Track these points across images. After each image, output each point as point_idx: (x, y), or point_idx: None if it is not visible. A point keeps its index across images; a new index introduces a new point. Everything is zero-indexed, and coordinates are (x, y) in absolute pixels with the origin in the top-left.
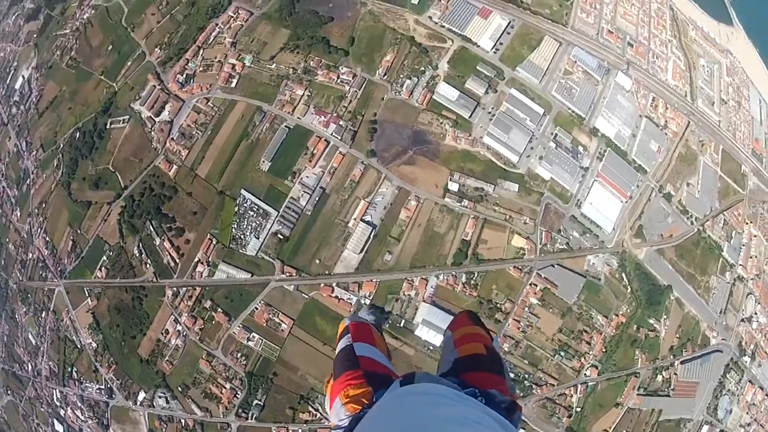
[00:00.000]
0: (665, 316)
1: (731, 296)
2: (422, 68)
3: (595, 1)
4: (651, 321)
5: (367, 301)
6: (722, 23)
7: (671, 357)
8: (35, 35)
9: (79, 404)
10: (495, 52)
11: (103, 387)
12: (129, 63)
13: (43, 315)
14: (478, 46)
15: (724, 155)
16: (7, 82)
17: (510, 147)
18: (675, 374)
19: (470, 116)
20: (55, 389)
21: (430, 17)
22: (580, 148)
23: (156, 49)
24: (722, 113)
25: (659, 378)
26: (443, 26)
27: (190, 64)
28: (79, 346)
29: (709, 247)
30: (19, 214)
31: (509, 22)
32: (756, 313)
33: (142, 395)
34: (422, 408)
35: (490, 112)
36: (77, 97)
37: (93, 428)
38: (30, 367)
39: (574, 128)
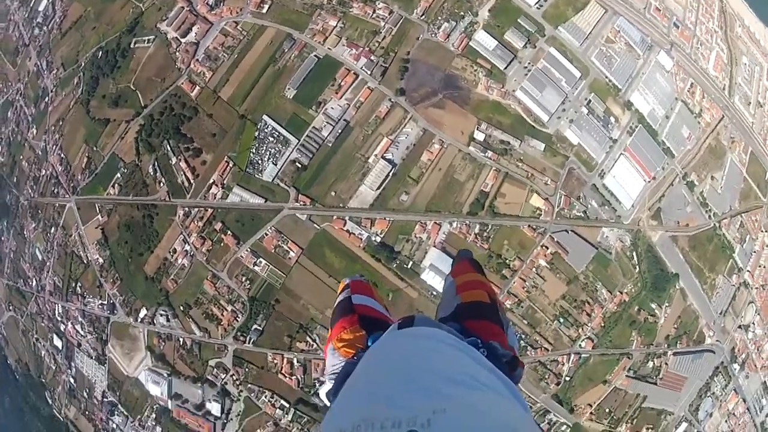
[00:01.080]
0: (667, 304)
1: (734, 300)
2: (462, 13)
3: None
4: (653, 305)
5: (378, 239)
6: None
7: (665, 346)
8: None
9: (80, 319)
10: (539, 8)
11: (105, 302)
12: None
13: (53, 230)
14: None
15: (751, 157)
16: (31, 4)
17: (542, 105)
18: (666, 364)
19: (505, 68)
20: (57, 304)
21: None
22: (612, 119)
23: None
24: (757, 115)
25: (650, 364)
26: None
27: None
28: (85, 261)
29: (722, 246)
30: (35, 131)
31: None
32: (754, 323)
33: (143, 312)
34: (418, 355)
35: (526, 67)
36: (102, 17)
37: (91, 343)
38: (34, 282)
39: (608, 98)
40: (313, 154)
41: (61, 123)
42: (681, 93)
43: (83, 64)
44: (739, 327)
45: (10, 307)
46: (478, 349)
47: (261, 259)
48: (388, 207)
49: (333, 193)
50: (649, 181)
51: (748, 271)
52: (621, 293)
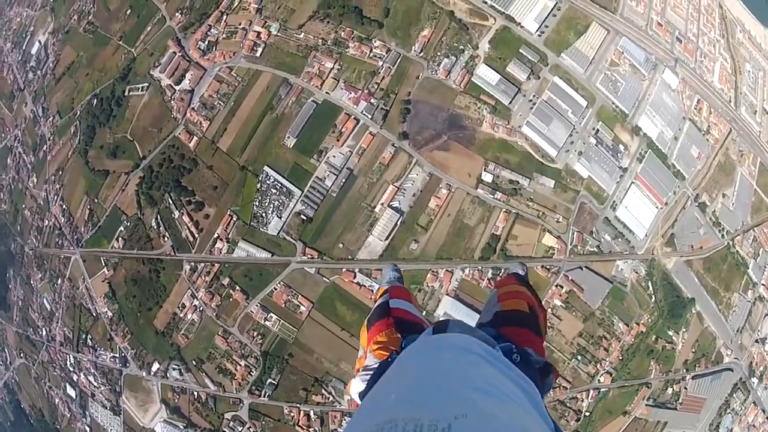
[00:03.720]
0: (684, 329)
1: (750, 315)
2: (461, 47)
3: None
4: (670, 333)
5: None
6: None
7: (684, 371)
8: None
9: (93, 370)
10: (540, 35)
11: (117, 356)
12: (149, 28)
13: (59, 282)
14: (522, 27)
15: (761, 169)
16: (23, 47)
17: (549, 139)
18: (685, 388)
19: (510, 103)
20: (68, 354)
21: None
22: (621, 147)
23: (177, 14)
24: (763, 124)
25: (669, 390)
26: (485, 2)
27: (212, 30)
28: (94, 314)
29: (736, 263)
30: (35, 180)
31: (555, 3)
32: None
33: (156, 366)
34: (446, 362)
35: (531, 100)
36: (95, 63)
37: (105, 394)
38: (44, 332)
39: (616, 125)
40: (317, 205)
41: (60, 173)
42: (688, 111)
43: (79, 113)
44: (756, 341)
45: (21, 355)
46: (512, 354)
47: (272, 314)
48: (398, 257)
49: (341, 245)
50: (661, 208)
51: (762, 284)
52: (638, 324)
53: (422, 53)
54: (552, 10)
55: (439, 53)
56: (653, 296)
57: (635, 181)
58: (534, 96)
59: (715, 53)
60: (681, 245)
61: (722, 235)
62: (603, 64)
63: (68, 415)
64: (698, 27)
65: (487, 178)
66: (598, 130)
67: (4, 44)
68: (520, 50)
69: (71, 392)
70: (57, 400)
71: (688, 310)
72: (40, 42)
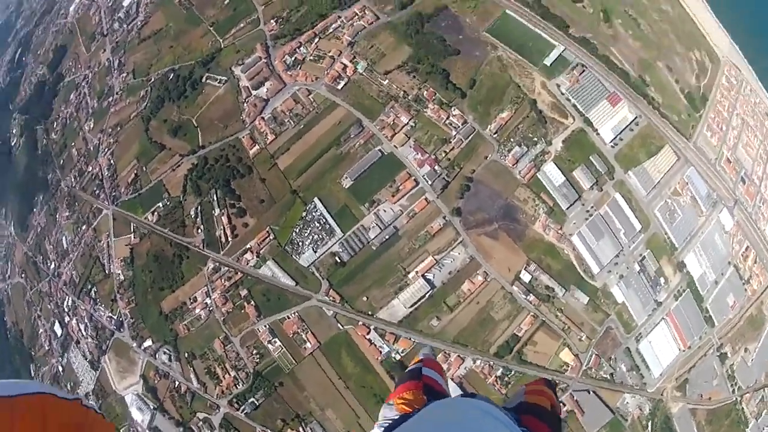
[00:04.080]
0: None
1: None
2: (535, 139)
3: (722, 121)
4: None
5: (398, 357)
6: None
7: None
8: None
9: (86, 320)
10: (613, 147)
11: (114, 317)
12: (241, 24)
13: (83, 228)
14: (598, 134)
15: None
16: None
17: (596, 255)
18: None
19: (568, 208)
20: (68, 296)
21: (558, 85)
22: (662, 280)
23: (272, 21)
24: None
25: None
26: (569, 100)
27: (301, 48)
28: (106, 271)
29: (738, 420)
30: (92, 125)
31: (635, 117)
32: None
33: (148, 342)
34: (470, 417)
35: (588, 211)
36: (182, 39)
37: (90, 346)
38: (53, 266)
39: (663, 256)
40: (355, 252)
41: (119, 129)
42: (735, 256)
43: (153, 80)
44: None
45: (23, 275)
46: None
47: (276, 340)
48: (417, 328)
49: (365, 298)
50: (683, 350)
51: None
52: None
53: (496, 134)
54: (630, 123)
55: (512, 139)
56: None
57: (666, 317)
58: (592, 207)
59: None
60: (691, 392)
61: (733, 390)
62: (666, 190)
63: (47, 348)
64: (764, 170)
65: (526, 277)
66: (644, 258)
67: None
68: (591, 157)
69: (58, 330)
70: (41, 331)
71: None
72: None
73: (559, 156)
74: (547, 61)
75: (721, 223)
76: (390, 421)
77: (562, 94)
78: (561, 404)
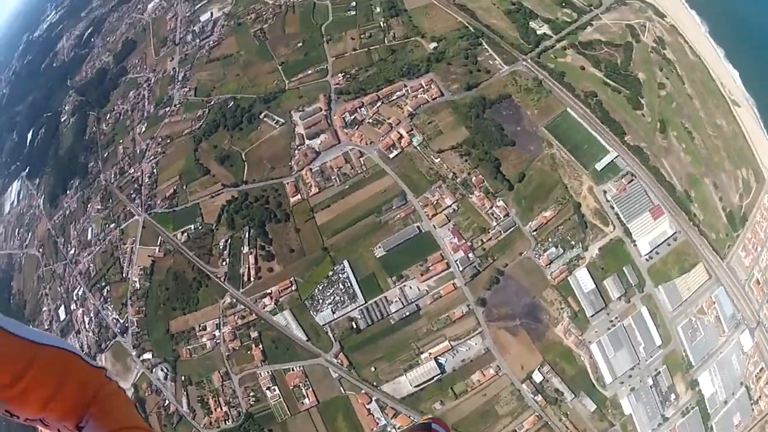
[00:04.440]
0: None
1: None
2: (573, 242)
3: (758, 242)
4: None
5: (393, 431)
6: None
7: None
8: None
9: (92, 315)
10: (648, 260)
11: (121, 321)
12: (309, 71)
13: (112, 226)
14: (635, 246)
15: None
16: (196, 7)
17: (611, 366)
18: None
19: (592, 316)
20: (80, 286)
21: (605, 192)
22: (672, 396)
23: (339, 75)
24: None
25: None
26: (612, 207)
27: (363, 109)
28: (124, 275)
29: None
30: (144, 128)
31: (674, 233)
32: None
33: (148, 356)
34: None
35: (612, 321)
36: (249, 70)
37: (89, 341)
38: (72, 252)
39: (678, 373)
40: (372, 322)
41: (168, 141)
42: (749, 377)
43: (213, 103)
44: None
45: (40, 249)
46: None
47: (276, 388)
48: (418, 408)
49: (373, 369)
50: None
51: None
52: None
53: (536, 232)
54: (669, 238)
55: (550, 239)
56: None
57: None
58: (616, 318)
59: None
60: None
61: None
62: (692, 308)
63: (46, 327)
64: None
65: (537, 378)
66: (659, 373)
67: None
68: (624, 268)
69: (62, 314)
70: (45, 309)
71: None
72: (212, 14)
73: (593, 263)
74: (599, 166)
75: (740, 343)
76: None
77: (607, 201)
78: None
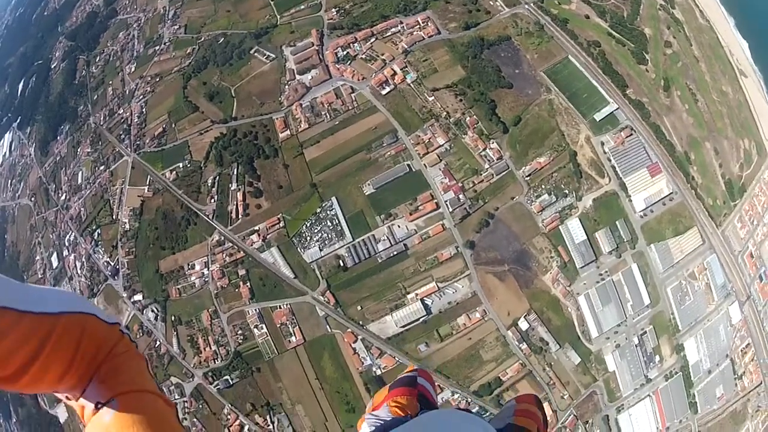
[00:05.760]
0: None
1: None
2: (566, 191)
3: (755, 216)
4: None
5: (378, 372)
6: None
7: None
8: None
9: (83, 259)
10: (641, 216)
11: (111, 263)
12: (302, 6)
13: (101, 168)
14: (630, 201)
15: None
16: None
17: (598, 320)
18: None
19: (581, 267)
20: (72, 231)
21: (603, 143)
22: (657, 358)
23: (333, 10)
24: None
25: None
26: (609, 160)
27: (356, 45)
28: (113, 216)
29: None
30: (133, 68)
31: (671, 193)
32: None
33: (139, 297)
34: (463, 426)
35: (601, 275)
36: (240, 6)
37: (81, 285)
38: (63, 197)
39: (664, 335)
40: (359, 260)
41: (158, 80)
42: (734, 351)
43: (203, 39)
44: None
45: (32, 198)
46: None
47: (263, 326)
48: (403, 349)
49: (359, 308)
50: (660, 431)
51: None
52: None
53: (529, 177)
54: (665, 197)
55: (543, 186)
56: None
57: (652, 395)
58: (606, 272)
59: None
60: None
61: None
62: (683, 272)
63: (39, 276)
64: None
65: (523, 325)
66: (645, 333)
67: None
68: (617, 222)
69: (54, 262)
70: (38, 258)
71: None
72: None
73: (585, 214)
74: (597, 116)
75: (729, 315)
76: (381, 422)
77: (604, 152)
78: (546, 425)
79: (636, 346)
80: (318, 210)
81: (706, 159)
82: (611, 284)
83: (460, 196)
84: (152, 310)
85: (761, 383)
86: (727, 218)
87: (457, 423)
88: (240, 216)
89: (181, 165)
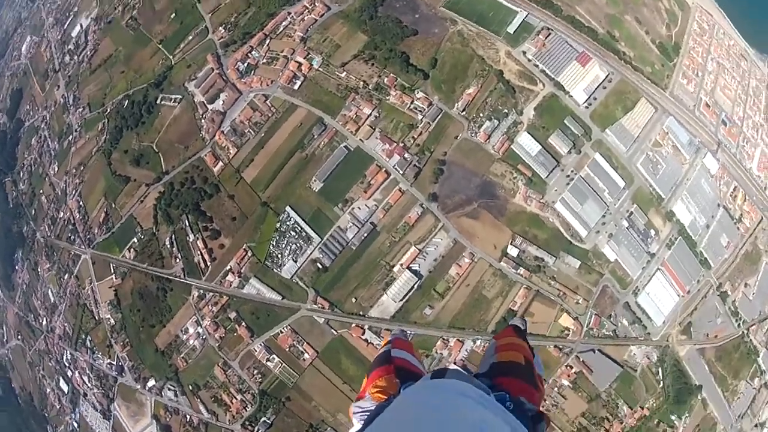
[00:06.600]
0: (687, 415)
1: (753, 402)
2: (505, 110)
3: (697, 67)
4: (673, 417)
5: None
6: None
7: None
8: None
9: (88, 371)
10: (587, 107)
11: (114, 363)
12: (190, 37)
13: (66, 277)
14: (571, 97)
15: None
16: (65, 26)
17: (582, 219)
18: None
19: (547, 176)
20: (66, 350)
21: (524, 52)
22: (652, 232)
23: (221, 28)
24: None
25: None
26: (536, 66)
27: (253, 52)
28: (96, 318)
29: (748, 352)
30: (56, 168)
31: (607, 75)
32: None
33: (152, 382)
34: (441, 404)
35: (568, 176)
36: (132, 62)
37: (97, 397)
38: (45, 322)
39: (651, 209)
40: (335, 255)
41: (82, 168)
42: (724, 198)
43: (109, 110)
44: (755, 426)
45: (19, 336)
46: (506, 402)
47: (274, 356)
48: (410, 320)
49: (353, 300)
50: (683, 296)
51: None
52: (642, 408)
53: (464, 112)
54: (603, 81)
55: (482, 114)
56: (661, 382)
57: (661, 267)
58: (572, 171)
59: (757, 138)
60: (697, 334)
61: (738, 325)
62: (646, 143)
63: (58, 407)
64: (744, 110)
65: (513, 252)
66: (632, 213)
67: (46, 18)
68: (565, 121)
69: (64, 387)
70: (48, 390)
71: (694, 397)
72: (81, 26)
73: (532, 125)
74: (510, 29)
75: (706, 167)
76: (367, 412)
77: (529, 60)
78: (532, 349)
79: (628, 228)
80: (278, 225)
81: (631, 31)
82: (581, 181)
83: (406, 155)
84: (169, 388)
85: (761, 219)
86: (671, 79)
87: (425, 400)
88: (209, 263)
89: (135, 239)
